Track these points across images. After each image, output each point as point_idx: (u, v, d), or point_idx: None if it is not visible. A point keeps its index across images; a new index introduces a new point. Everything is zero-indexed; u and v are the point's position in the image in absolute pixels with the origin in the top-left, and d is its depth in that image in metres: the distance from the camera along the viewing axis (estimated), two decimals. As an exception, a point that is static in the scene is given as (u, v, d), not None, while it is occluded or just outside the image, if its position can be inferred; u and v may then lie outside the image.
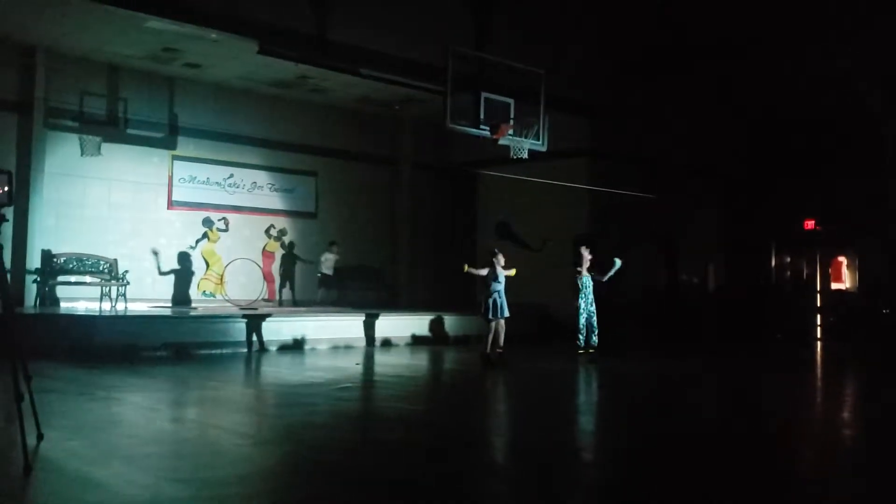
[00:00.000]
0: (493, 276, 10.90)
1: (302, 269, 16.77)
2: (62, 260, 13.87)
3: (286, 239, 16.96)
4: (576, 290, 12.17)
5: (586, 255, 12.02)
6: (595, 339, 12.14)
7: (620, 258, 12.02)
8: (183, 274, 15.39)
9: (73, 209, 14.39)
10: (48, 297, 13.64)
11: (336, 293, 16.41)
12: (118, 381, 8.80)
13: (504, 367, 10.70)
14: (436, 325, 14.51)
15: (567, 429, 6.97)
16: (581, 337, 12.13)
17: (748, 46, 16.97)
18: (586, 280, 12.10)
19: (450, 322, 14.66)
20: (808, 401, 9.31)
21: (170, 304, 14.76)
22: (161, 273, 14.66)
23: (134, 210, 15.12)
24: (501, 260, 11.06)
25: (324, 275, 16.17)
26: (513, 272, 11.07)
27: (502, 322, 10.92)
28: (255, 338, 12.26)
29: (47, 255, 13.71)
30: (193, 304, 15.00)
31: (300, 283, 16.80)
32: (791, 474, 5.44)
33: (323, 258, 16.30)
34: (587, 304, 12.09)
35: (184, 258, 15.42)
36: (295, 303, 16.25)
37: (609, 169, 16.53)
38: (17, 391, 4.81)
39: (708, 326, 17.64)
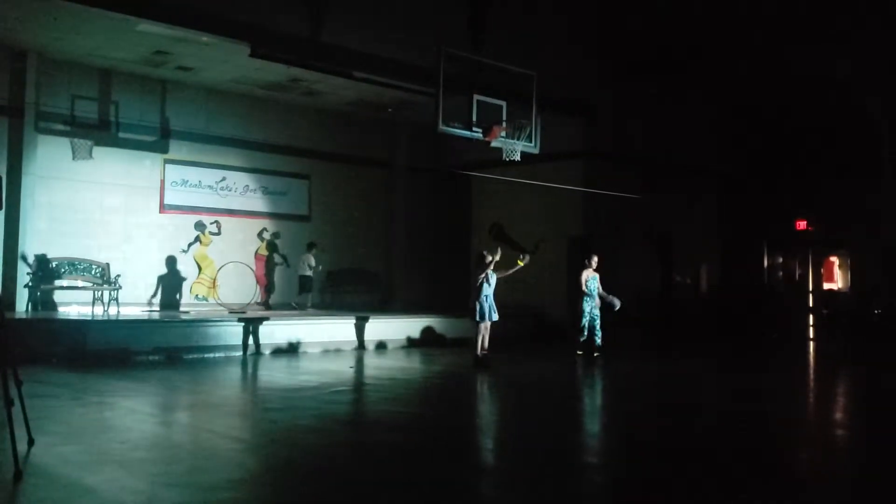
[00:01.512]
0: (485, 279, 10.93)
1: (282, 270, 16.65)
2: (54, 264, 13.81)
3: (277, 241, 16.86)
4: (580, 293, 12.30)
5: (594, 260, 12.43)
6: (598, 340, 12.25)
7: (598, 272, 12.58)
8: (174, 278, 15.35)
9: (64, 213, 14.32)
10: (40, 302, 13.58)
11: (311, 296, 16.21)
12: (110, 385, 8.76)
13: (489, 368, 10.72)
14: (430, 328, 14.49)
15: (566, 430, 6.96)
16: (582, 338, 12.25)
17: (742, 47, 17.03)
18: (592, 283, 12.27)
19: (445, 324, 14.63)
20: (805, 401, 9.32)
21: (159, 309, 14.73)
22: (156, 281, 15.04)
23: (126, 214, 15.06)
24: (489, 261, 11.07)
25: (303, 277, 15.99)
26: (521, 264, 11.19)
27: (488, 324, 10.96)
28: (248, 341, 12.23)
29: (41, 260, 13.65)
30: (185, 308, 14.95)
31: (281, 286, 16.66)
32: (790, 474, 5.45)
33: (300, 260, 16.15)
34: (592, 307, 12.24)
35: (175, 262, 15.38)
36: (269, 307, 16.03)
37: (602, 170, 16.53)
38: (8, 396, 4.78)
39: (702, 326, 17.67)
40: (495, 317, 11.00)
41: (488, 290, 10.95)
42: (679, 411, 8.12)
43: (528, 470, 5.31)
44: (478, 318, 10.91)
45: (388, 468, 5.29)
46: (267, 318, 12.77)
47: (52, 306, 13.79)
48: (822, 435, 7.06)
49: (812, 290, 19.54)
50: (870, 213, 17.56)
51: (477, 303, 10.88)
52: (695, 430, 7.04)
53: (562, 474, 5.22)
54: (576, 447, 6.31)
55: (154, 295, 15.03)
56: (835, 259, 19.60)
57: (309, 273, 15.82)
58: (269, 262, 16.65)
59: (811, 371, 12.97)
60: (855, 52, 16.29)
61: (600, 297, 12.41)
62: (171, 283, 15.32)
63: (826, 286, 19.51)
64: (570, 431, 6.96)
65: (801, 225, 19.32)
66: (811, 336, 18.77)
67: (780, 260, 20.30)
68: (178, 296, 15.32)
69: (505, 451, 6.26)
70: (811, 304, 19.43)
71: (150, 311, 14.39)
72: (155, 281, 15.14)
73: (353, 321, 13.50)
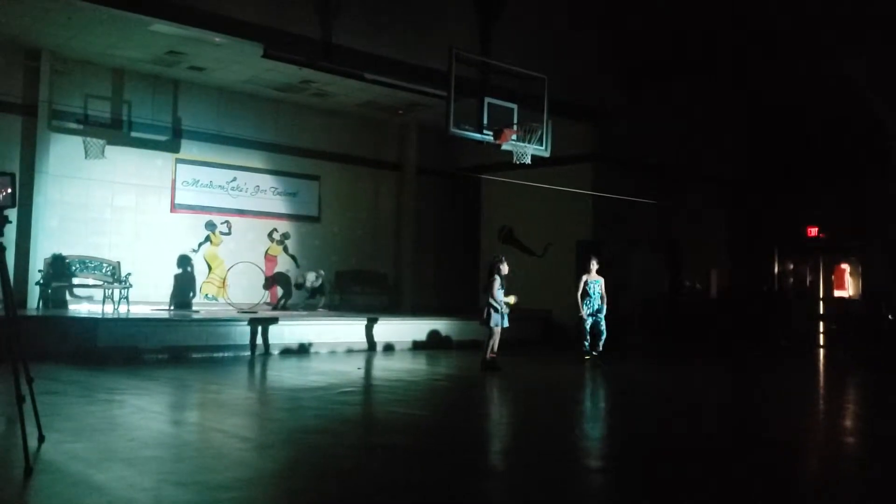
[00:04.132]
0: (500, 285, 10.92)
1: (294, 273, 16.75)
2: (66, 262, 13.89)
3: (287, 241, 16.95)
4: (582, 296, 12.28)
5: (594, 264, 12.32)
6: (601, 345, 12.21)
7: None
8: (185, 277, 15.41)
9: (76, 211, 14.41)
10: (51, 300, 13.65)
11: (322, 298, 16.29)
12: (120, 383, 8.80)
13: (497, 371, 10.72)
14: (438, 330, 14.48)
15: (571, 433, 6.95)
16: (586, 342, 12.22)
17: (752, 53, 16.98)
18: (593, 285, 12.24)
19: (453, 327, 14.63)
20: (810, 407, 9.28)
21: (171, 308, 14.79)
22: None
23: (137, 213, 15.14)
24: (504, 268, 11.07)
25: (313, 289, 16.20)
26: (512, 300, 11.07)
27: (499, 329, 10.95)
28: (257, 342, 12.26)
29: (53, 257, 13.73)
30: (195, 308, 15.00)
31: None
32: (794, 483, 5.42)
33: (300, 275, 16.32)
34: (593, 311, 12.20)
35: (185, 261, 15.45)
36: (285, 307, 16.14)
37: (613, 174, 16.52)
38: (19, 393, 4.81)
39: (711, 332, 17.61)
40: (506, 323, 11.02)
41: (503, 297, 10.96)
42: (684, 416, 8.10)
43: (534, 472, 5.30)
44: (493, 324, 10.90)
45: (396, 470, 5.29)
46: (276, 319, 12.80)
47: (63, 304, 13.87)
48: (828, 441, 7.02)
49: (823, 298, 19.42)
50: (881, 219, 17.46)
51: (493, 311, 10.87)
52: (698, 434, 7.00)
53: (567, 476, 5.21)
54: (581, 450, 6.30)
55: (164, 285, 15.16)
56: (846, 266, 19.48)
57: (317, 285, 16.01)
58: (279, 262, 16.71)
59: (819, 378, 12.91)
60: (865, 57, 16.21)
61: (601, 300, 12.31)
62: (181, 282, 15.38)
63: (837, 293, 19.39)
64: (576, 434, 6.95)
65: (812, 231, 19.23)
66: (821, 343, 18.67)
67: (791, 266, 20.21)
68: (188, 295, 15.38)
69: (511, 454, 6.25)
70: (821, 312, 19.33)
71: (160, 309, 14.45)
72: (165, 280, 15.20)
73: (364, 322, 13.52)
